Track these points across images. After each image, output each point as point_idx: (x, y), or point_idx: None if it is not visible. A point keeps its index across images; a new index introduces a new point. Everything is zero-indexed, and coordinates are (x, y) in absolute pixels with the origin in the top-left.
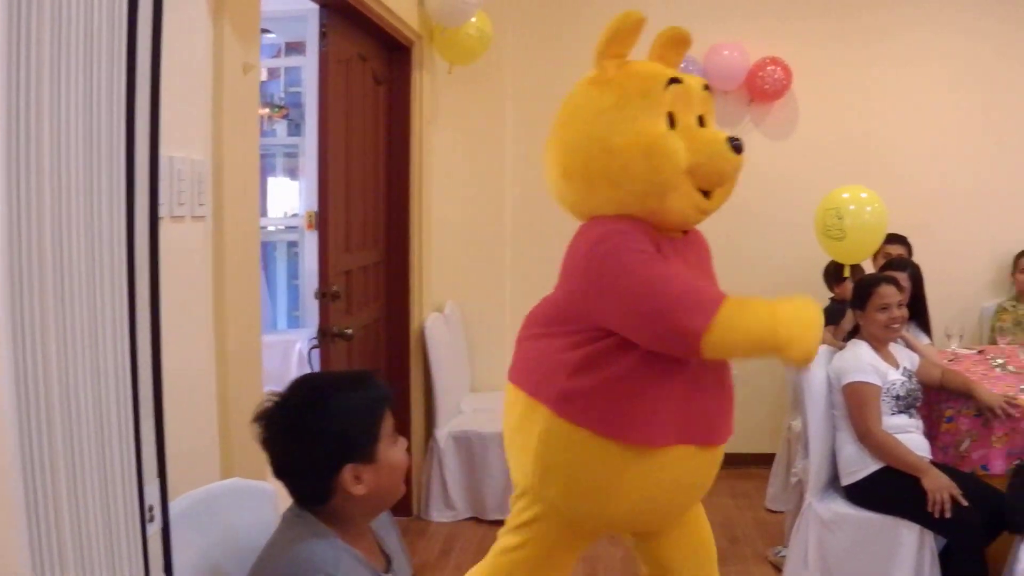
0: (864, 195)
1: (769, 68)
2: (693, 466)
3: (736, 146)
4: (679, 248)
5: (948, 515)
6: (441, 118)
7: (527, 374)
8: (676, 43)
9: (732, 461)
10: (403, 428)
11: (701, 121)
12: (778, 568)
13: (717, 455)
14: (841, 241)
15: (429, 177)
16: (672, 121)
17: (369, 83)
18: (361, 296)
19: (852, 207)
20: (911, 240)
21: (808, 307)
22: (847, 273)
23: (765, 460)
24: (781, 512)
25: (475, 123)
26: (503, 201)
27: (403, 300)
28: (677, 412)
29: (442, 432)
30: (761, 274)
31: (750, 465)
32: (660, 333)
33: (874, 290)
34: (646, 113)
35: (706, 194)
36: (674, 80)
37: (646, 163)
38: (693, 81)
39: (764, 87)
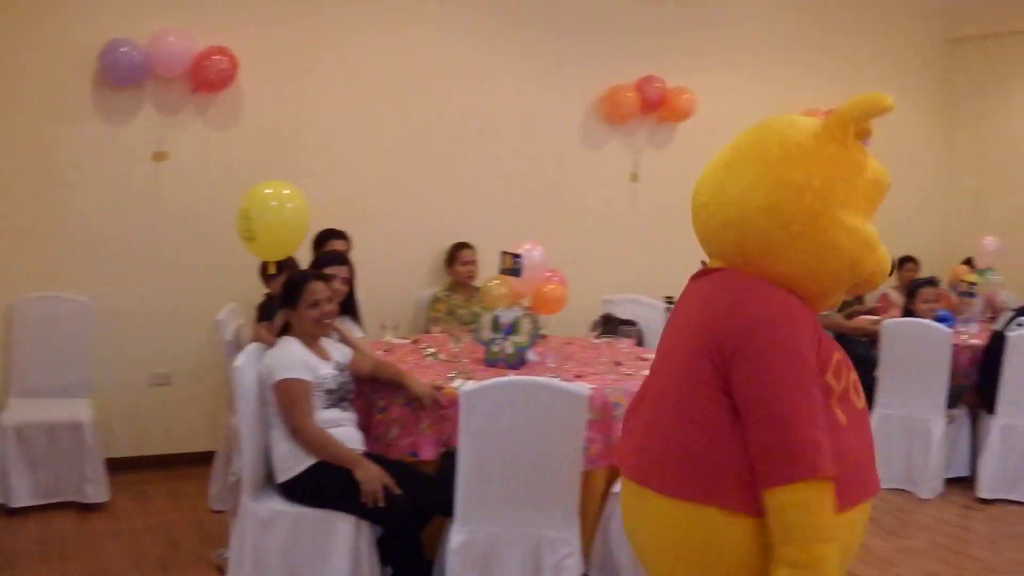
0: (287, 191)
1: (215, 58)
2: (863, 519)
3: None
4: None
5: (382, 504)
6: None
7: (679, 475)
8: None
9: (171, 462)
10: None
11: None
12: (222, 571)
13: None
14: (254, 241)
15: None
16: None
17: None
18: None
19: (273, 203)
20: (352, 234)
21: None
22: (272, 270)
23: (206, 459)
24: (224, 512)
25: None
26: None
27: None
28: (851, 470)
29: None
30: (196, 271)
31: (191, 465)
32: (768, 455)
33: (304, 287)
34: (869, 207)
35: None
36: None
37: (850, 261)
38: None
39: (209, 76)
